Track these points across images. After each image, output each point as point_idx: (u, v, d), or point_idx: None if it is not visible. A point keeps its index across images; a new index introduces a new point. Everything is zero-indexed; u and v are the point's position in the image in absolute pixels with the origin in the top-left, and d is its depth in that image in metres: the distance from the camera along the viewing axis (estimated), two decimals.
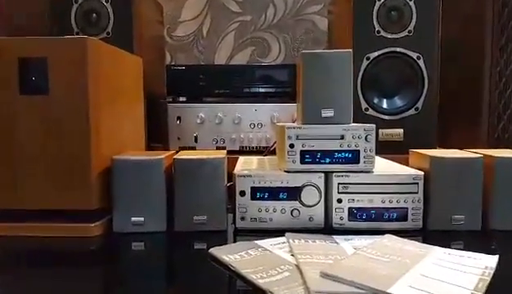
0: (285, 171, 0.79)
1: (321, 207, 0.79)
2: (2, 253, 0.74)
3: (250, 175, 0.79)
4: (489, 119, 1.27)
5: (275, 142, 1.17)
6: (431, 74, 1.24)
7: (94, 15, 1.28)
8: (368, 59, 1.24)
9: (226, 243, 0.72)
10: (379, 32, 1.24)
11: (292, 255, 0.65)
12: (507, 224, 0.79)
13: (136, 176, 0.78)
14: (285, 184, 0.79)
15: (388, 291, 0.51)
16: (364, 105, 1.26)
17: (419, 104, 1.26)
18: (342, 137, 0.78)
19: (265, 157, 1.07)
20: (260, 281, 0.55)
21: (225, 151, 0.88)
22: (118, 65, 0.93)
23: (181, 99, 1.44)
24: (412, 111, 1.26)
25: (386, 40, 1.24)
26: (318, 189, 0.79)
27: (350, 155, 0.78)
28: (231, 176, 0.82)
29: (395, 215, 0.78)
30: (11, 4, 1.39)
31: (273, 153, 1.08)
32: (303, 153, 0.78)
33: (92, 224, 0.78)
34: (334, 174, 0.78)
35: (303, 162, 0.78)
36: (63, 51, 0.76)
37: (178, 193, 0.79)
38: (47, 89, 0.76)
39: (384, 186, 0.78)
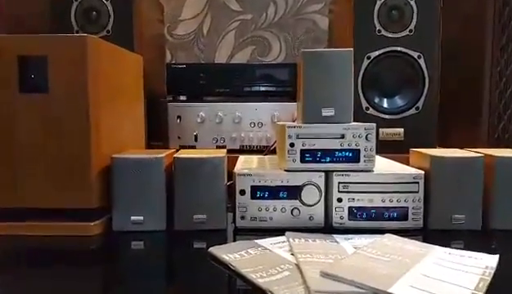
0: (286, 170, 0.79)
1: (321, 207, 0.79)
2: (1, 252, 0.74)
3: (250, 174, 0.79)
4: (489, 119, 1.27)
5: (275, 141, 1.17)
6: (432, 74, 1.24)
7: (94, 13, 1.27)
8: (369, 58, 1.24)
9: (225, 242, 0.72)
10: (379, 31, 1.24)
11: (292, 254, 0.65)
12: (507, 223, 0.79)
13: (135, 175, 0.78)
14: (285, 184, 0.79)
15: (389, 290, 0.51)
16: (364, 104, 1.26)
17: (420, 104, 1.25)
18: (342, 136, 0.78)
19: (265, 156, 1.06)
20: (260, 280, 0.55)
21: (225, 150, 0.88)
22: (118, 64, 0.93)
23: (182, 98, 1.43)
24: (413, 110, 1.26)
25: (387, 39, 1.24)
26: (318, 188, 0.78)
27: (350, 154, 0.78)
28: (231, 175, 0.82)
29: (395, 214, 0.78)
30: (11, 2, 1.39)
31: (273, 152, 1.08)
32: (303, 152, 0.78)
33: (92, 223, 0.78)
34: (335, 173, 0.78)
35: (303, 161, 0.78)
36: (63, 50, 0.76)
37: (178, 192, 0.79)
38: (47, 87, 0.76)
39: (384, 185, 0.78)
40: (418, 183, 0.78)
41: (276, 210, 0.79)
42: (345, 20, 1.31)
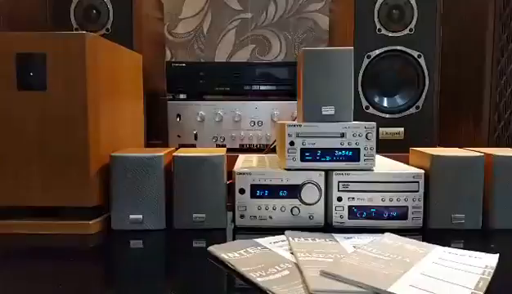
0: (285, 169, 0.79)
1: (320, 206, 0.79)
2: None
3: (250, 173, 0.79)
4: (490, 118, 1.26)
5: (275, 140, 1.16)
6: (432, 73, 1.24)
7: (94, 11, 1.27)
8: (369, 57, 1.24)
9: (225, 241, 0.72)
10: (380, 30, 1.23)
11: (292, 253, 0.64)
12: (508, 223, 0.78)
13: (134, 173, 0.78)
14: (284, 182, 0.78)
15: (389, 290, 0.51)
16: (365, 103, 1.26)
17: (420, 103, 1.25)
18: (342, 135, 0.78)
19: (265, 155, 1.06)
20: (259, 279, 0.55)
21: (225, 149, 0.87)
22: (117, 61, 0.92)
23: (182, 96, 1.43)
24: (413, 109, 1.26)
25: (387, 38, 1.24)
26: (318, 187, 0.78)
27: (350, 153, 0.78)
28: (230, 174, 0.81)
29: (395, 213, 0.78)
30: (11, 0, 1.38)
31: (273, 151, 1.08)
32: (303, 150, 0.78)
33: (91, 222, 0.78)
34: (335, 172, 0.78)
35: (303, 159, 0.78)
36: (61, 47, 0.76)
37: (177, 191, 0.79)
38: (46, 85, 0.76)
39: (384, 184, 0.78)
40: (418, 182, 0.78)
41: (276, 209, 0.79)
42: (345, 19, 1.31)
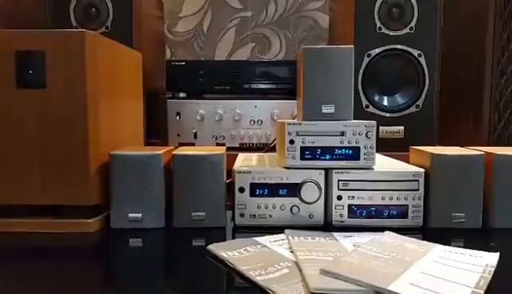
0: (285, 168, 0.79)
1: (320, 204, 0.79)
2: None
3: (249, 172, 0.78)
4: (490, 117, 1.26)
5: (274, 139, 1.16)
6: (432, 72, 1.24)
7: (93, 9, 1.27)
8: (369, 56, 1.24)
9: (224, 240, 0.71)
10: (380, 29, 1.23)
11: (291, 252, 0.64)
12: (508, 221, 0.78)
13: (134, 172, 0.77)
14: (284, 181, 0.78)
15: (389, 288, 0.51)
16: (365, 102, 1.25)
17: (420, 102, 1.25)
18: (342, 134, 0.78)
19: (265, 154, 1.06)
20: (259, 278, 0.55)
21: (224, 148, 0.87)
22: (117, 60, 0.92)
23: (181, 95, 1.43)
24: (413, 108, 1.26)
25: (387, 37, 1.23)
26: (318, 185, 0.78)
27: (350, 152, 0.78)
28: (230, 173, 0.81)
29: (395, 212, 0.78)
30: (11, 0, 1.38)
31: (273, 150, 1.08)
32: (303, 149, 0.78)
33: (90, 220, 0.78)
34: (335, 171, 0.78)
35: (303, 158, 0.78)
36: (61, 45, 0.75)
37: (177, 190, 0.79)
38: (45, 83, 0.76)
39: (384, 183, 0.78)
40: (418, 181, 0.78)
41: (276, 207, 0.79)
42: (346, 18, 1.30)
